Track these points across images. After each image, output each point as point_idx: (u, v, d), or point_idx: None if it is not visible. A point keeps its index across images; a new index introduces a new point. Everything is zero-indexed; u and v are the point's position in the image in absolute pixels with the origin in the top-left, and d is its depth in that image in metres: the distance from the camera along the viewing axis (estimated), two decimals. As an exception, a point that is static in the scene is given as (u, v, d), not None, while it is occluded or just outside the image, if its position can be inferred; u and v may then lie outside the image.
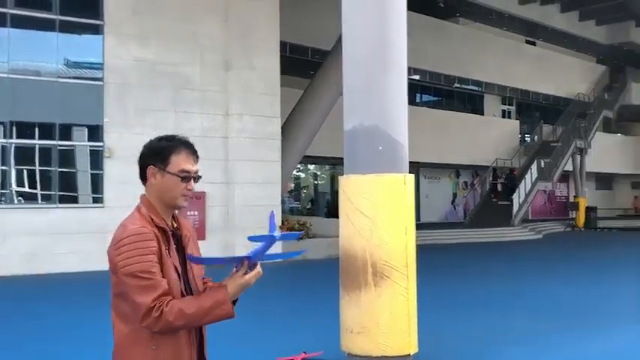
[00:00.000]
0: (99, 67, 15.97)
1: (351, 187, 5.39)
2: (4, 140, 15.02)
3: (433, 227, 26.36)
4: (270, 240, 2.29)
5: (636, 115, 43.64)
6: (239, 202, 17.14)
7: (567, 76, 37.64)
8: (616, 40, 40.48)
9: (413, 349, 5.34)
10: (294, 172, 27.33)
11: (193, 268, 2.42)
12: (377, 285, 5.18)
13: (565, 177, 36.18)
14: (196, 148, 2.46)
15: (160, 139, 2.43)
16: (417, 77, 29.18)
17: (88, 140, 16.13)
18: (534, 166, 30.75)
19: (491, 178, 32.56)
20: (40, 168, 15.66)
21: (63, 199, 15.55)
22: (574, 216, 33.95)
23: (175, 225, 2.44)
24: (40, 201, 15.56)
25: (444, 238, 24.40)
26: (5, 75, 15.02)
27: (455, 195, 34.89)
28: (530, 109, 38.73)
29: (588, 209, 33.85)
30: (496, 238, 25.63)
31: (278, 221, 17.34)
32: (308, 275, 14.36)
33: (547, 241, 26.67)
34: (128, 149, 15.84)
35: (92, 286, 13.10)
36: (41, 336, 8.43)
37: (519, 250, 22.51)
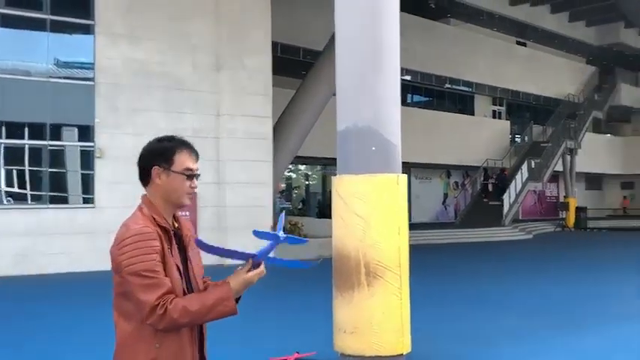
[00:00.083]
0: (90, 67, 15.91)
1: (344, 188, 5.39)
2: (-6, 140, 14.96)
3: (424, 227, 26.43)
4: (274, 239, 2.34)
5: (625, 115, 43.95)
6: (230, 203, 17.12)
7: (557, 77, 37.81)
8: (605, 41, 40.70)
9: (406, 348, 5.34)
10: (286, 173, 27.32)
11: (194, 267, 2.45)
12: (370, 285, 5.18)
13: (555, 177, 36.36)
14: None
15: (160, 139, 2.46)
16: (408, 78, 29.23)
17: (79, 140, 16.07)
18: (525, 167, 30.90)
19: (482, 178, 32.67)
20: (31, 168, 15.58)
21: (53, 200, 15.49)
22: (564, 216, 34.14)
23: (176, 225, 2.47)
24: (30, 201, 15.49)
25: (435, 238, 24.46)
26: (-5, 75, 14.97)
27: (446, 195, 34.98)
28: (520, 109, 38.88)
29: (578, 209, 34.05)
30: (487, 238, 25.73)
31: (270, 222, 17.36)
32: (300, 275, 14.32)
33: (537, 241, 26.79)
34: (119, 150, 15.80)
35: (85, 286, 13.10)
36: (40, 336, 8.40)
37: (510, 250, 22.61)
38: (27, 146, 15.46)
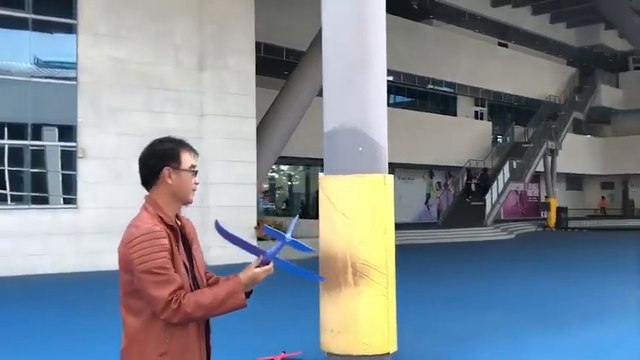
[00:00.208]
0: (72, 66, 15.78)
1: (331, 188, 5.42)
2: (-25, 140, 14.81)
3: (407, 227, 26.51)
4: (281, 238, 2.45)
5: (605, 116, 44.43)
6: (214, 203, 17.06)
7: (538, 78, 38.13)
8: (586, 43, 41.17)
9: (392, 347, 5.38)
10: (269, 173, 27.31)
11: (198, 264, 2.54)
12: (357, 284, 5.21)
13: (536, 177, 36.66)
14: None
15: (162, 141, 2.53)
16: (390, 78, 29.31)
17: (61, 140, 15.95)
18: (506, 167, 31.12)
19: (465, 178, 32.85)
20: (12, 168, 15.43)
21: (35, 200, 15.36)
22: (545, 216, 34.43)
23: (179, 223, 2.55)
24: (10, 202, 15.34)
25: (418, 238, 24.55)
26: (-24, 74, 14.83)
27: (428, 195, 35.14)
28: (502, 110, 39.15)
29: (559, 209, 34.38)
30: (469, 238, 25.89)
31: (254, 222, 17.36)
32: (285, 275, 14.34)
33: (519, 240, 27.00)
34: (102, 149, 15.72)
35: (68, 287, 13.02)
36: (25, 337, 8.33)
37: (492, 249, 22.77)
38: (7, 146, 15.30)
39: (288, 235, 2.45)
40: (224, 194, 17.13)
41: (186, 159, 2.50)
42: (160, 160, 2.47)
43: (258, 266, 2.45)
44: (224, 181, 17.20)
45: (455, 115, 35.27)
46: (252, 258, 2.54)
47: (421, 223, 31.46)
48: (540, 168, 33.79)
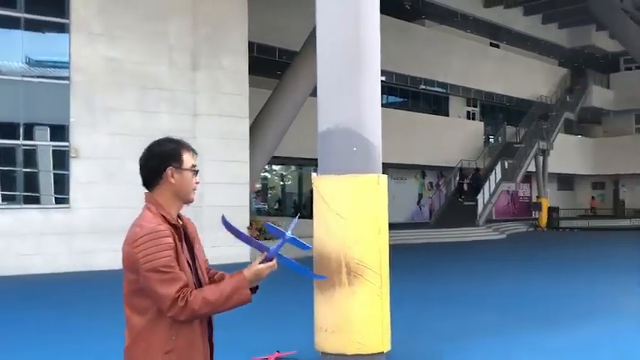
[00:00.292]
0: (65, 65, 15.75)
1: (326, 188, 5.45)
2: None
3: (399, 227, 26.56)
4: (281, 236, 2.52)
5: (596, 117, 44.63)
6: (207, 203, 17.05)
7: (530, 79, 38.26)
8: (577, 44, 41.35)
9: (386, 346, 5.43)
10: (261, 173, 27.32)
11: (200, 263, 2.59)
12: (351, 284, 5.25)
13: (528, 178, 36.79)
14: None
15: (162, 141, 2.57)
16: (383, 78, 29.30)
17: (54, 140, 15.91)
18: (498, 167, 31.22)
19: (458, 178, 32.93)
20: (4, 168, 15.39)
21: (28, 200, 15.32)
22: (537, 216, 34.56)
23: (181, 223, 2.58)
24: (2, 201, 15.30)
25: (410, 238, 24.60)
26: (-32, 73, 14.79)
27: (420, 195, 35.21)
28: (494, 110, 39.27)
29: (550, 209, 34.51)
30: (461, 238, 25.97)
31: (247, 222, 17.34)
32: (279, 275, 14.34)
33: (511, 240, 27.10)
34: (95, 149, 15.70)
35: (60, 287, 13.01)
36: (17, 337, 8.32)
37: (484, 249, 22.84)
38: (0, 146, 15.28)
39: (288, 233, 2.52)
40: (217, 194, 17.13)
41: (187, 159, 2.55)
42: (162, 160, 2.51)
43: (261, 262, 2.50)
44: (217, 180, 17.20)
45: (447, 115, 35.36)
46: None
47: (413, 223, 31.51)
48: (532, 168, 33.92)
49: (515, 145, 34.08)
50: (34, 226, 15.00)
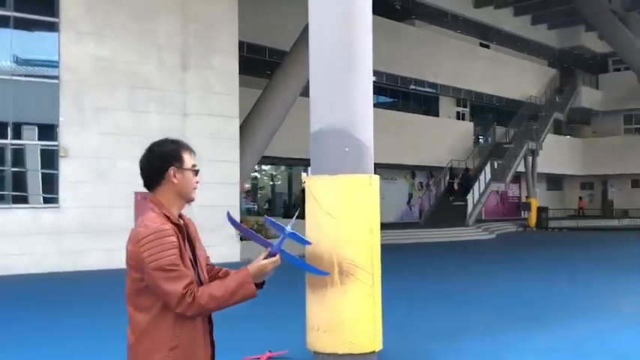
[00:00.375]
0: (54, 65, 15.68)
1: (318, 188, 5.44)
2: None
3: (389, 227, 26.59)
4: (281, 231, 2.60)
5: (585, 117, 44.87)
6: (197, 202, 16.87)
7: (520, 79, 38.42)
8: (567, 44, 41.58)
9: (378, 346, 5.42)
10: (251, 173, 27.28)
11: (201, 261, 2.63)
12: (343, 283, 5.24)
13: (517, 178, 36.94)
14: None
15: (163, 142, 2.62)
16: (373, 78, 29.35)
17: (43, 139, 15.83)
18: (488, 167, 31.32)
19: (448, 178, 33.01)
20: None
21: (17, 200, 15.24)
22: (526, 216, 34.70)
23: (183, 222, 2.62)
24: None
25: (400, 238, 24.65)
26: (-44, 72, 14.68)
27: (410, 195, 35.27)
28: (483, 110, 39.39)
29: (540, 209, 34.66)
30: (451, 238, 26.03)
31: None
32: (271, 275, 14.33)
33: (500, 240, 27.20)
34: (84, 149, 15.63)
35: (49, 287, 12.94)
36: (7, 337, 8.29)
37: (474, 249, 22.91)
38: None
39: (288, 228, 2.58)
40: (207, 194, 17.06)
41: (188, 158, 2.60)
42: (164, 160, 2.54)
43: (265, 258, 2.56)
44: (207, 180, 17.12)
45: (437, 115, 35.42)
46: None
47: (403, 223, 31.56)
48: (521, 168, 34.06)
49: (504, 146, 34.21)
50: (22, 225, 14.91)
